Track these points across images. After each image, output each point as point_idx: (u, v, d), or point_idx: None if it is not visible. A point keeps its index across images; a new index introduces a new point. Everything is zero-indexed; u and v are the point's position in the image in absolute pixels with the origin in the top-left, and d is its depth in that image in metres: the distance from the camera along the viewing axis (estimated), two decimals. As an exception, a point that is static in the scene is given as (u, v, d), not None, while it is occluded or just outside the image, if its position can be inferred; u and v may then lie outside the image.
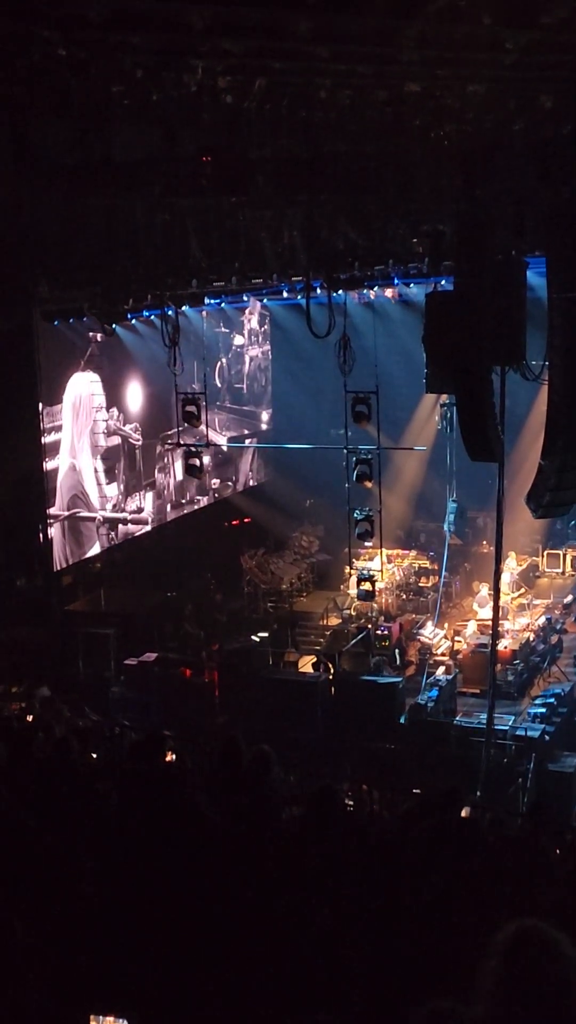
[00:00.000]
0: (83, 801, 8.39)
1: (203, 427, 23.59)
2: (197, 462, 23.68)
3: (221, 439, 30.45)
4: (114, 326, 23.01)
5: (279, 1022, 5.79)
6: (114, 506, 26.65)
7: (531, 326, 16.75)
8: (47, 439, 23.60)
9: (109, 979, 5.87)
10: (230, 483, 32.45)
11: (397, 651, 25.10)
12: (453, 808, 9.17)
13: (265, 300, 29.23)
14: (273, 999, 5.88)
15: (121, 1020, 5.27)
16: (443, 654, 24.99)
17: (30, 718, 15.90)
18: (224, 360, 31.15)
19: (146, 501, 27.97)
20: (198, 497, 30.38)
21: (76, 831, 7.69)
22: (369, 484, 22.39)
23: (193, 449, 23.75)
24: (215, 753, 10.25)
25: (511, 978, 3.30)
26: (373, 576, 24.05)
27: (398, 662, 24.69)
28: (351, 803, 12.67)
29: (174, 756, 12.34)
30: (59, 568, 24.53)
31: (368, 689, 22.14)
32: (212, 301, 24.94)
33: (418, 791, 9.20)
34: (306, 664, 24.20)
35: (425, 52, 10.97)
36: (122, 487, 26.98)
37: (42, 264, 20.50)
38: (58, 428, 24.28)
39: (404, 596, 28.35)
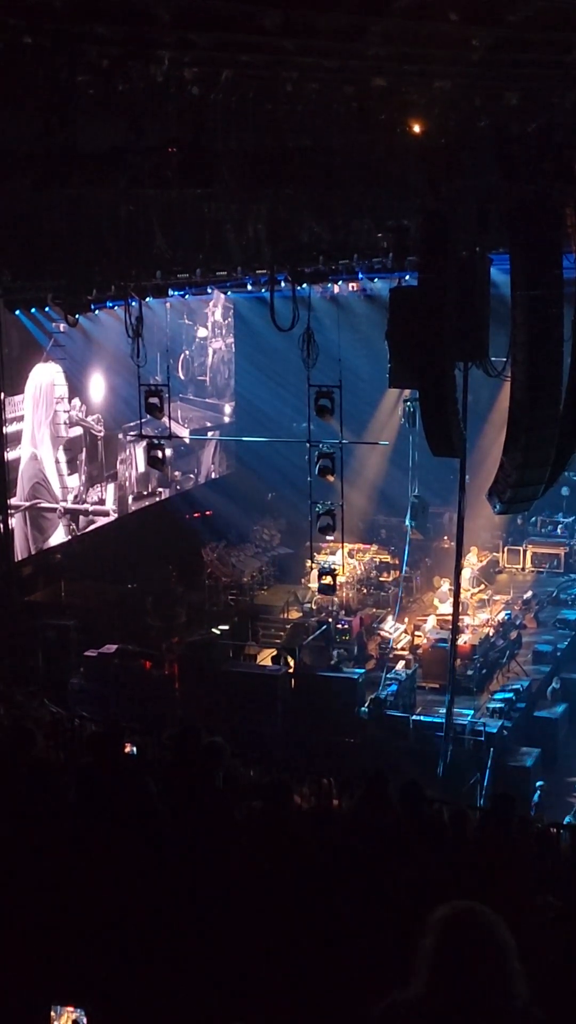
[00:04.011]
0: (40, 793, 8.36)
1: (166, 419, 23.55)
2: (159, 454, 23.63)
3: (183, 431, 30.39)
4: (77, 317, 22.91)
5: (235, 1014, 5.81)
6: (75, 497, 26.57)
7: (494, 323, 16.82)
8: (8, 429, 23.48)
9: (68, 970, 5.87)
10: (192, 475, 32.42)
11: (357, 645, 25.17)
12: (416, 802, 9.20)
13: (229, 293, 29.19)
14: (229, 990, 5.90)
15: (78, 1011, 5.28)
16: (403, 649, 25.06)
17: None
18: (187, 352, 31.10)
19: (107, 492, 27.90)
20: (160, 489, 30.33)
21: (33, 823, 7.67)
22: (331, 478, 22.41)
23: (155, 441, 23.70)
24: (171, 742, 10.24)
25: (444, 957, 3.33)
26: (334, 570, 24.08)
27: (358, 656, 24.75)
28: (311, 797, 12.68)
29: (134, 748, 12.31)
30: (19, 559, 24.43)
31: (328, 683, 22.19)
32: (176, 293, 24.92)
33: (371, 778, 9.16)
34: (266, 657, 24.23)
35: (392, 47, 10.99)
36: (84, 478, 26.91)
37: (5, 254, 20.35)
38: (20, 418, 24.18)
39: (365, 590, 28.42)
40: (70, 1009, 5.26)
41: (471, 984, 3.28)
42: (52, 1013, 5.29)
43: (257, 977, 6.00)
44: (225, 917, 6.43)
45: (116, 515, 28.30)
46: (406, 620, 26.52)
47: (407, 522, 26.66)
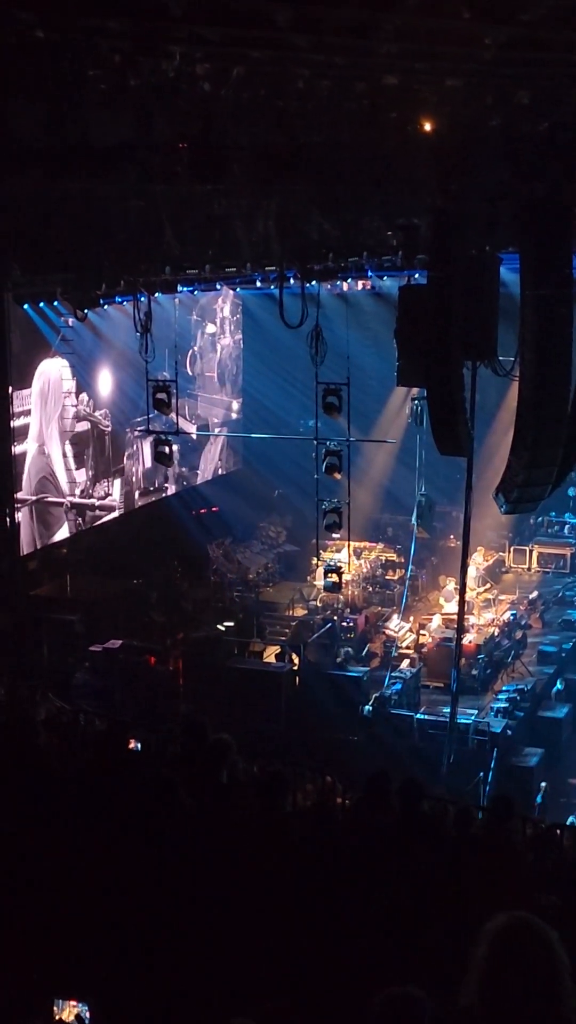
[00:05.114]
0: (45, 788, 8.36)
1: (173, 415, 23.53)
2: (166, 450, 23.60)
3: (191, 427, 30.38)
4: (86, 311, 22.90)
5: (237, 1006, 5.81)
6: (82, 492, 26.57)
7: (503, 322, 16.79)
8: (16, 423, 23.47)
9: (71, 965, 5.87)
10: (198, 472, 32.41)
11: (362, 643, 25.16)
12: (414, 800, 9.19)
13: (238, 289, 29.15)
14: (231, 983, 5.90)
15: (82, 1004, 5.29)
16: (408, 647, 25.07)
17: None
18: (195, 348, 31.07)
19: (114, 487, 27.90)
20: (166, 485, 30.33)
21: (37, 818, 7.67)
22: (338, 476, 22.37)
23: (162, 436, 23.68)
24: (178, 736, 10.24)
25: (497, 969, 3.30)
26: (340, 568, 24.05)
27: (363, 654, 24.74)
28: (314, 794, 12.68)
29: (138, 744, 12.32)
30: (25, 553, 24.42)
31: (332, 680, 22.19)
32: (185, 289, 24.87)
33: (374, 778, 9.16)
34: (271, 654, 24.23)
35: (403, 45, 10.96)
36: (90, 473, 26.90)
37: (15, 248, 20.35)
38: (27, 412, 24.17)
39: (370, 589, 28.42)
40: (73, 1002, 5.27)
41: (522, 999, 3.25)
42: (55, 1007, 5.30)
43: (258, 972, 6.00)
44: (227, 913, 6.42)
45: (122, 510, 28.29)
46: (411, 619, 26.51)
47: (413, 521, 26.64)
